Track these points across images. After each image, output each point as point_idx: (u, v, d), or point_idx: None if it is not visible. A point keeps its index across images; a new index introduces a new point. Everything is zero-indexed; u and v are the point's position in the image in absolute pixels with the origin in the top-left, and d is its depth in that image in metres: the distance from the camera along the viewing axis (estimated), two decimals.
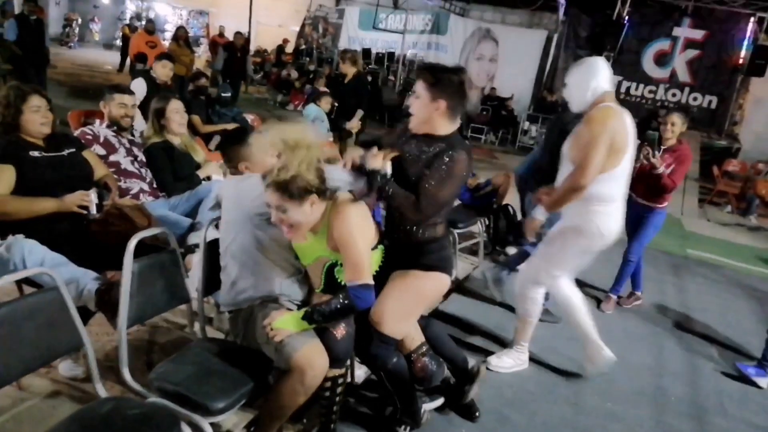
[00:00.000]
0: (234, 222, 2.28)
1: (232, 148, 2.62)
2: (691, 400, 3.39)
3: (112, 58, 16.41)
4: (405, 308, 2.36)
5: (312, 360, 2.07)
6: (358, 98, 6.65)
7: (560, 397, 3.17)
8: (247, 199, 2.24)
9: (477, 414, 2.82)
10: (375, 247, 2.27)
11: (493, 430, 2.79)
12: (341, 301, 2.10)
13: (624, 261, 4.50)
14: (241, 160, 2.56)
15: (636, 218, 4.37)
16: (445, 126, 2.32)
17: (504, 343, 3.64)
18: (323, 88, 6.45)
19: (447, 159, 2.23)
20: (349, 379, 2.66)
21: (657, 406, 3.25)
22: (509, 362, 3.36)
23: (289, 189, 1.97)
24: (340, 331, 2.21)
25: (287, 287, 2.32)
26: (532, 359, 3.49)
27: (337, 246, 2.14)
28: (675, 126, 4.24)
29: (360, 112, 6.65)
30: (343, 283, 2.21)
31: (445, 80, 2.26)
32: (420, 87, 2.29)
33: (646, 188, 4.28)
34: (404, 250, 2.40)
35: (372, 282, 2.14)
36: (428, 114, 2.29)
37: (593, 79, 2.91)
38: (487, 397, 2.96)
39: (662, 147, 4.29)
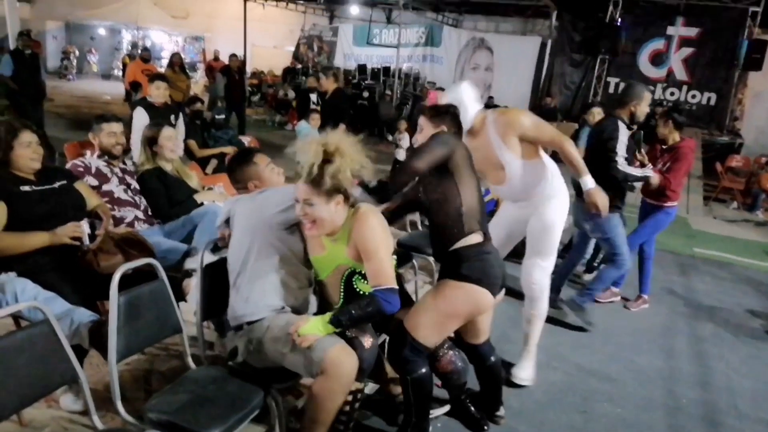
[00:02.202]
0: (252, 232, 2.31)
1: (238, 169, 2.64)
2: (703, 401, 3.32)
3: (111, 89, 16.58)
4: (436, 318, 2.39)
5: (345, 357, 2.08)
6: (339, 113, 6.69)
7: (568, 405, 3.12)
8: (270, 208, 2.31)
9: (486, 428, 2.80)
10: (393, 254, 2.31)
11: None
12: (368, 305, 2.12)
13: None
14: (250, 179, 2.61)
15: (644, 217, 4.55)
16: None
17: (507, 354, 3.59)
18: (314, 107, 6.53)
19: (432, 137, 2.53)
20: None
21: (668, 410, 3.19)
22: (532, 370, 3.35)
23: (320, 183, 2.07)
24: (368, 340, 2.20)
25: (301, 299, 2.34)
26: (539, 367, 3.44)
27: (359, 253, 2.19)
28: (658, 128, 4.39)
29: (342, 127, 6.70)
30: (362, 293, 2.25)
31: (443, 111, 2.65)
32: (423, 121, 2.65)
33: (648, 187, 4.38)
34: (444, 260, 2.48)
35: (397, 286, 2.18)
36: None
37: (466, 102, 3.03)
38: None
39: (663, 146, 4.42)
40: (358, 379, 2.19)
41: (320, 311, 2.38)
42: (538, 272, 3.24)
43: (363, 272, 2.24)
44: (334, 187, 2.09)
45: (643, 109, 3.80)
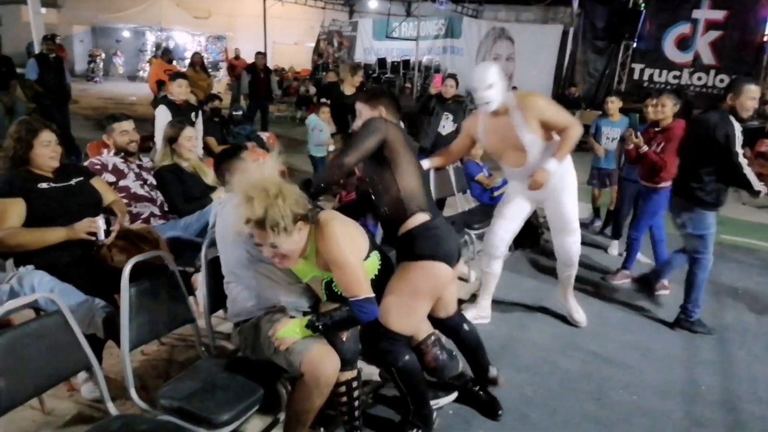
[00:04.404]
0: (226, 239, 2.32)
1: (224, 165, 2.64)
2: (723, 388, 3.27)
3: (137, 90, 16.86)
4: (403, 302, 2.36)
5: (322, 359, 2.10)
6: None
7: (583, 393, 3.10)
8: (231, 219, 2.24)
9: (500, 412, 2.80)
10: (368, 256, 2.27)
11: (512, 429, 2.74)
12: (346, 314, 2.13)
13: (629, 239, 4.78)
14: (232, 173, 2.55)
15: (640, 201, 4.70)
16: None
17: (510, 355, 3.60)
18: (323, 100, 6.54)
19: (364, 122, 2.48)
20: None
21: (686, 397, 3.15)
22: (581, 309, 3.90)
23: (276, 226, 1.96)
24: (344, 334, 2.22)
25: (291, 296, 2.34)
26: (555, 357, 3.44)
27: (329, 266, 2.16)
28: (666, 107, 4.38)
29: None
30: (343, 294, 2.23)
31: (377, 92, 2.66)
32: (360, 106, 2.63)
33: (644, 169, 4.50)
34: (397, 246, 2.46)
35: (373, 294, 2.17)
36: None
37: (500, 84, 3.19)
38: (507, 397, 2.91)
39: (657, 128, 4.49)
40: (347, 369, 2.21)
41: (314, 303, 2.39)
42: (573, 247, 3.63)
43: None
44: (290, 220, 1.99)
45: (743, 103, 3.56)
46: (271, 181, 2.02)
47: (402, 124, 2.65)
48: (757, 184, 3.59)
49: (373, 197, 2.54)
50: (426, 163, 3.33)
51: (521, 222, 3.71)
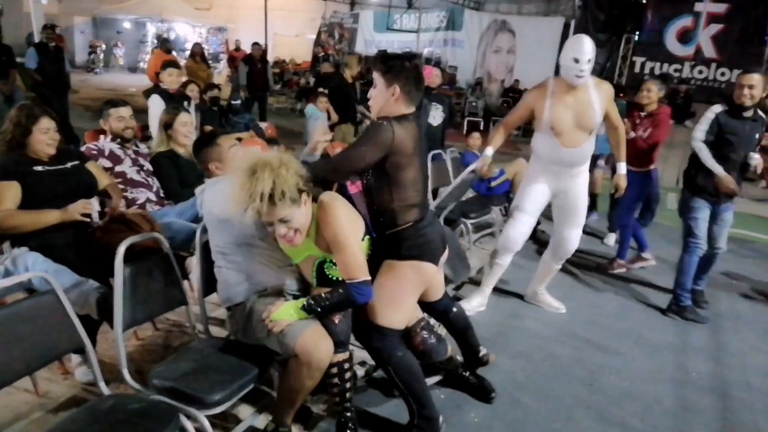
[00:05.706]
0: (214, 220, 2.35)
1: (201, 151, 2.66)
2: (714, 375, 3.29)
3: (137, 81, 16.83)
4: (390, 297, 2.35)
5: (316, 343, 2.11)
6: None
7: (575, 379, 3.12)
8: (216, 207, 2.30)
9: (492, 395, 2.82)
10: (363, 238, 2.30)
11: (503, 413, 2.76)
12: (342, 295, 2.15)
13: (619, 228, 4.98)
14: (211, 161, 2.61)
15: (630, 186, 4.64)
16: (401, 110, 2.33)
17: (504, 342, 3.61)
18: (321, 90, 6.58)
19: (373, 125, 2.29)
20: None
21: (677, 383, 3.17)
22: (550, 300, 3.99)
23: (285, 195, 2.00)
24: (337, 317, 2.23)
25: (282, 278, 2.36)
26: (548, 344, 3.46)
27: (330, 246, 2.18)
28: (651, 93, 4.48)
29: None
30: (334, 278, 2.24)
31: (397, 67, 2.29)
32: (376, 76, 2.35)
33: (629, 155, 4.43)
34: (385, 241, 2.41)
35: (369, 277, 2.19)
36: (385, 100, 2.33)
37: (593, 60, 3.26)
38: (499, 382, 2.93)
39: (642, 113, 4.57)
40: (339, 350, 2.22)
41: (303, 287, 2.40)
42: (576, 240, 3.69)
43: (334, 261, 2.22)
44: (296, 190, 2.04)
45: (735, 91, 3.70)
46: (270, 154, 2.06)
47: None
48: (717, 169, 3.69)
49: (363, 189, 2.45)
50: (489, 151, 3.55)
51: (543, 205, 3.72)
